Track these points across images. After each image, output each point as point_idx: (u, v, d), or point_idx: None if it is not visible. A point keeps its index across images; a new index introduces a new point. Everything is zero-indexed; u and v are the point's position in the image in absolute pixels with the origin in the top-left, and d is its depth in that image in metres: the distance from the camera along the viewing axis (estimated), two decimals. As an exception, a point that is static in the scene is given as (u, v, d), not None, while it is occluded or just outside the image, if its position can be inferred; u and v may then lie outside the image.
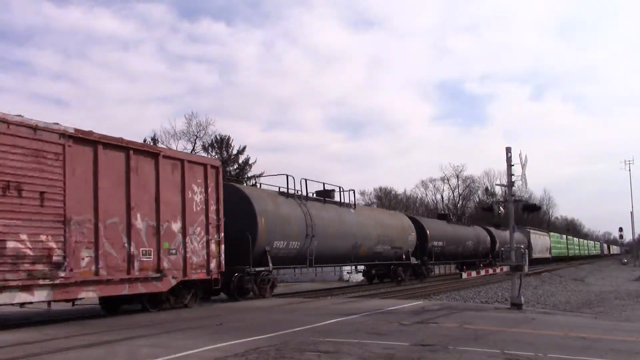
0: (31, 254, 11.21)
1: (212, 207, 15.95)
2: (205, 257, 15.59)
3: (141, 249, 13.64)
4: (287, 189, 21.41)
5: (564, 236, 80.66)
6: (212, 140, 62.08)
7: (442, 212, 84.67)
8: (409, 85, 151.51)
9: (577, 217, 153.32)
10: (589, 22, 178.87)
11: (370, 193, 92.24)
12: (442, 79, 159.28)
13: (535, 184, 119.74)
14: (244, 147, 64.71)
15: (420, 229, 31.50)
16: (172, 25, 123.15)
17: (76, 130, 12.30)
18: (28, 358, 8.07)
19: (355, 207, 25.94)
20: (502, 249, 16.12)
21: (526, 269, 15.78)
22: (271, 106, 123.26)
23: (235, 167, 60.95)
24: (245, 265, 17.86)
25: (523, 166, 15.64)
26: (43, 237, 11.43)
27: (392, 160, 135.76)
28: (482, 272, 37.61)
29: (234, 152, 60.84)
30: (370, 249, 26.06)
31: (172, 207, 14.56)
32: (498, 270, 37.97)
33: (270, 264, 19.03)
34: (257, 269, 18.44)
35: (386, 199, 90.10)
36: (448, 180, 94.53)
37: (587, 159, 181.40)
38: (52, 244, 11.60)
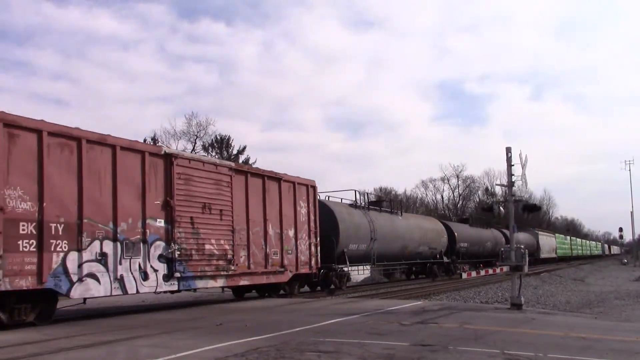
0: (216, 253, 16.03)
1: (312, 218, 20.63)
2: (308, 256, 20.30)
3: (272, 250, 18.32)
4: (356, 201, 26.74)
5: (568, 237, 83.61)
6: (212, 140, 62.10)
7: (442, 212, 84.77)
8: (409, 85, 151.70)
9: (577, 217, 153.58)
10: (588, 22, 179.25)
11: (371, 193, 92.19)
12: (442, 79, 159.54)
13: (535, 184, 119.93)
14: (244, 147, 64.69)
15: (449, 232, 36.11)
16: (172, 25, 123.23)
17: (236, 164, 18.68)
18: (28, 358, 8.07)
19: (402, 214, 31.37)
20: (502, 249, 16.17)
21: (526, 269, 15.79)
22: (271, 106, 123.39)
23: (235, 167, 61.01)
24: (331, 263, 22.09)
25: (523, 166, 15.66)
26: (222, 242, 16.23)
27: (392, 160, 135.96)
28: (482, 272, 37.73)
29: (234, 152, 60.88)
30: (414, 249, 30.85)
31: (288, 218, 19.19)
32: (498, 270, 38.06)
33: (348, 262, 23.35)
34: (340, 265, 22.84)
35: (386, 199, 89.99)
36: (448, 180, 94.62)
37: (587, 159, 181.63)
38: (227, 247, 16.42)
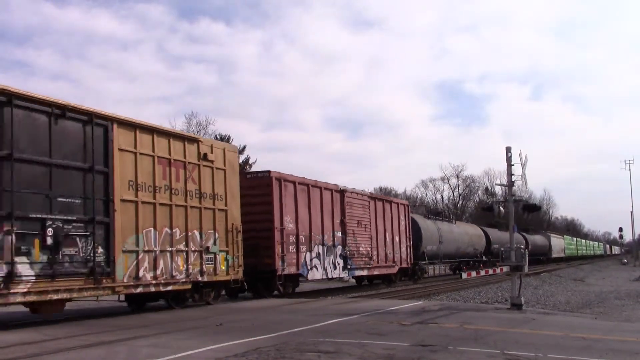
0: (364, 253, 24.41)
1: (407, 227, 29.05)
2: (406, 255, 28.69)
3: (388, 250, 26.49)
4: (428, 213, 41.44)
5: (574, 238, 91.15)
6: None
7: (442, 211, 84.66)
8: (408, 85, 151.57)
9: (577, 217, 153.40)
10: (588, 21, 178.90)
11: (371, 193, 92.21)
12: (441, 79, 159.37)
13: (535, 184, 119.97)
14: (244, 147, 64.65)
15: (486, 235, 44.71)
16: (171, 26, 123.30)
17: (370, 194, 26.69)
18: (28, 358, 8.07)
19: (455, 222, 42.28)
20: (502, 249, 16.19)
21: (526, 269, 15.80)
22: (270, 106, 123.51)
23: (235, 167, 60.99)
24: (417, 260, 30.28)
25: (523, 166, 15.66)
26: (366, 245, 24.59)
27: (391, 160, 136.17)
28: (482, 272, 37.90)
29: (234, 152, 60.96)
30: (464, 249, 39.43)
31: (395, 228, 27.49)
32: (498, 270, 38.26)
33: (427, 259, 32.41)
34: (422, 262, 31.45)
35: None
36: (448, 180, 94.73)
37: (587, 159, 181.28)
38: (368, 248, 24.76)
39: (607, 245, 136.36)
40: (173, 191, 14.63)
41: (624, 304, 20.86)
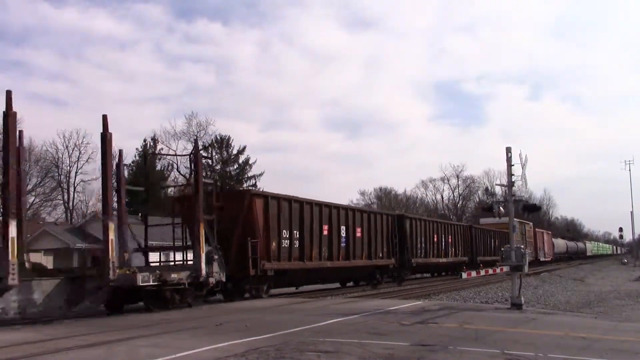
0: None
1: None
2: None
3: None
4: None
5: (595, 242, 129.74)
6: (212, 140, 61.89)
7: (442, 212, 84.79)
8: (407, 85, 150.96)
9: (577, 217, 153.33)
10: (585, 21, 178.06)
11: (371, 193, 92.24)
12: (439, 79, 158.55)
13: (535, 184, 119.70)
14: (244, 147, 64.59)
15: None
16: (169, 26, 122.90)
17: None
18: (28, 358, 8.07)
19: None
20: (502, 249, 16.20)
21: (526, 269, 15.82)
22: (269, 106, 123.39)
23: (235, 167, 60.94)
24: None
25: (523, 166, 15.64)
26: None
27: (391, 160, 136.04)
28: (482, 272, 37.72)
29: (234, 152, 60.83)
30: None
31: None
32: (498, 270, 38.21)
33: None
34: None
35: (386, 199, 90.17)
36: (448, 180, 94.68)
37: (586, 159, 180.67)
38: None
39: (614, 247, 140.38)
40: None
41: (624, 303, 20.85)
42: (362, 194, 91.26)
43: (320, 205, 22.26)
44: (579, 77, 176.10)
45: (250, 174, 63.55)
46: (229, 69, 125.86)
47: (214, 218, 17.04)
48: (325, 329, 10.82)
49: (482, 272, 37.68)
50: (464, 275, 34.94)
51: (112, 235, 13.89)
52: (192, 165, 17.65)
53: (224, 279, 17.05)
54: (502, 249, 16.23)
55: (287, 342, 8.98)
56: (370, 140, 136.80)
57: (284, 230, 19.80)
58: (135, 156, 53.43)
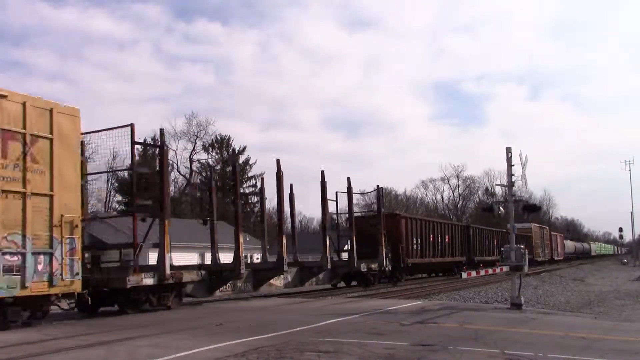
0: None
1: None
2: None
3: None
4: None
5: (599, 243, 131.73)
6: (212, 140, 61.84)
7: (442, 212, 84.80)
8: (406, 85, 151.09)
9: (577, 217, 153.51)
10: (584, 21, 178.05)
11: (371, 193, 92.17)
12: (438, 79, 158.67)
13: (535, 184, 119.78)
14: (244, 147, 64.63)
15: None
16: (168, 26, 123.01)
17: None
18: (28, 358, 8.08)
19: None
20: (502, 249, 16.22)
21: (526, 269, 15.83)
22: (268, 106, 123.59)
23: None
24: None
25: (523, 166, 15.66)
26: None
27: (391, 160, 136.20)
28: (482, 272, 37.66)
29: (236, 151, 60.86)
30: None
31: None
32: (498, 270, 38.17)
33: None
34: None
35: (386, 199, 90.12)
36: (448, 180, 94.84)
37: (586, 159, 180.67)
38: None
39: (616, 247, 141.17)
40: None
41: (624, 303, 20.85)
42: (362, 194, 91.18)
43: (428, 221, 34.11)
44: (578, 77, 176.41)
45: (250, 174, 63.55)
46: (228, 69, 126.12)
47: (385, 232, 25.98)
48: (325, 328, 10.83)
49: (482, 272, 37.62)
50: (464, 275, 34.91)
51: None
52: (378, 202, 27.92)
53: (390, 269, 26.41)
54: (502, 248, 16.22)
55: (287, 342, 8.99)
56: (369, 140, 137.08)
57: (414, 238, 30.36)
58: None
